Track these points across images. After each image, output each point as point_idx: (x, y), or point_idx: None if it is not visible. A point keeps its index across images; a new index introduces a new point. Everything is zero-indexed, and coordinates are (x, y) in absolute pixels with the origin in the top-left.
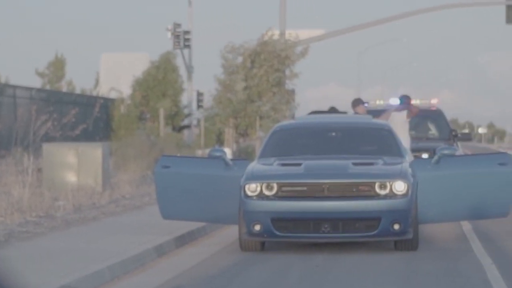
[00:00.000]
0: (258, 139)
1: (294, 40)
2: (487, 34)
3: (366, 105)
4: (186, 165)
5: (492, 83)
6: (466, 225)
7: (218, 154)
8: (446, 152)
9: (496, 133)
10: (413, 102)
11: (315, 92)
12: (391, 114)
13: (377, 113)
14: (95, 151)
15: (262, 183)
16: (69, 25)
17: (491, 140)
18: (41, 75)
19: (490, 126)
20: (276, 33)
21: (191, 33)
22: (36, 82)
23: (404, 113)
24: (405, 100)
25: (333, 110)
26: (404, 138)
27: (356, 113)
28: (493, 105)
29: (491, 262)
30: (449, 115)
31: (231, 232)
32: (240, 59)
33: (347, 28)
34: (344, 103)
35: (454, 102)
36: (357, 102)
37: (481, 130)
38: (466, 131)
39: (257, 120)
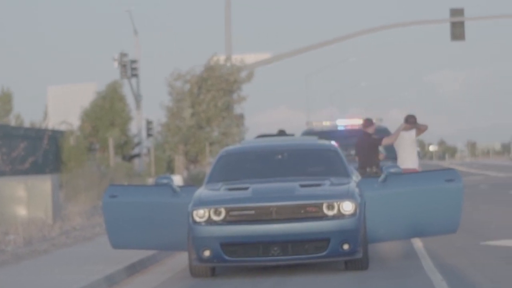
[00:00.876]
0: (209, 165)
1: (240, 64)
2: (434, 52)
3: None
4: (133, 194)
5: (441, 101)
6: (416, 243)
7: (165, 181)
8: (392, 170)
9: (447, 150)
10: (359, 121)
11: (265, 116)
12: (400, 134)
13: (324, 134)
14: (44, 184)
15: (210, 209)
16: (14, 58)
17: (442, 157)
18: None
19: (441, 143)
20: (221, 58)
21: (138, 62)
22: None
23: (413, 132)
24: (410, 119)
25: (281, 133)
26: (413, 156)
27: (367, 132)
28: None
29: (441, 279)
30: None
31: (181, 259)
32: (187, 86)
33: (294, 50)
34: (294, 126)
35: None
36: (368, 123)
37: (432, 148)
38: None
39: (207, 146)
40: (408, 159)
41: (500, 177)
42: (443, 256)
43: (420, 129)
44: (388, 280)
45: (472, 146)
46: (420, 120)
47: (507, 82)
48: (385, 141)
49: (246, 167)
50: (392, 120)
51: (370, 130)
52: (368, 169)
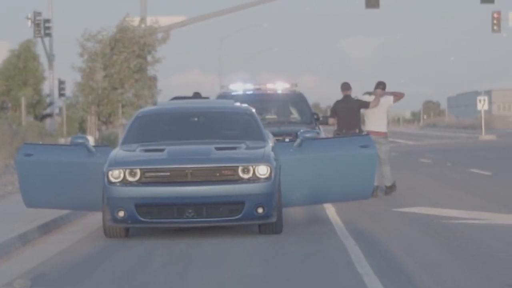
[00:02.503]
0: (121, 127)
1: (155, 26)
2: (348, 19)
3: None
4: (48, 153)
5: (353, 68)
6: (329, 208)
7: (80, 141)
8: (308, 135)
9: None
10: (272, 85)
11: (178, 79)
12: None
13: (239, 97)
14: None
15: (125, 169)
16: None
17: None
18: None
19: None
20: (135, 20)
21: (52, 21)
22: None
23: (389, 98)
24: (382, 86)
25: (196, 95)
26: (385, 121)
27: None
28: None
29: (354, 244)
30: (311, 99)
31: (95, 219)
32: (99, 47)
33: (209, 14)
34: (206, 89)
35: (316, 87)
36: (348, 86)
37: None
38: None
39: (119, 108)
40: (379, 124)
41: (410, 145)
42: (356, 222)
43: (398, 96)
44: (302, 245)
45: None
46: (332, 87)
47: (418, 51)
48: (371, 104)
49: (162, 128)
50: (305, 86)
51: (350, 92)
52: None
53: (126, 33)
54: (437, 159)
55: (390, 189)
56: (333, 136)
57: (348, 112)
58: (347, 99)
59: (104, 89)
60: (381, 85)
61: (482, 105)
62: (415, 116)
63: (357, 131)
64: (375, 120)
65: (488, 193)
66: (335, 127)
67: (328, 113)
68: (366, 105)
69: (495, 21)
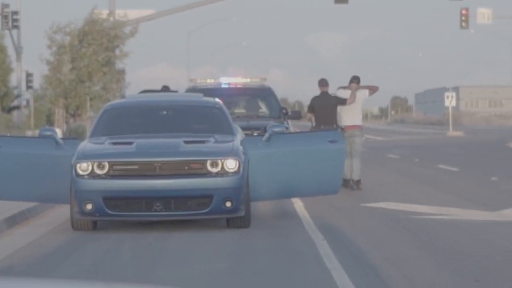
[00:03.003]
0: (89, 119)
1: (123, 19)
2: (316, 14)
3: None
4: (16, 145)
5: (321, 62)
6: (297, 202)
7: (48, 133)
8: (276, 129)
9: None
10: (241, 80)
11: (147, 72)
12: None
13: (208, 91)
14: None
15: (94, 162)
16: None
17: None
18: None
19: None
20: (104, 13)
21: (20, 13)
22: None
23: (365, 92)
24: (357, 80)
25: (165, 89)
26: (360, 115)
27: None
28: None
29: (323, 238)
30: (279, 94)
31: (63, 212)
32: (67, 39)
33: (177, 7)
34: (174, 83)
35: (284, 82)
36: (326, 83)
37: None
38: (296, 109)
39: (87, 100)
40: (355, 117)
41: (378, 140)
42: (324, 216)
43: (373, 89)
44: (270, 239)
45: None
46: (301, 81)
47: (386, 47)
48: (349, 101)
49: (131, 122)
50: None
51: (327, 89)
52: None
53: (95, 26)
54: (405, 155)
55: (358, 183)
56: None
57: (326, 108)
58: (324, 95)
59: (71, 81)
60: (355, 79)
61: (449, 101)
62: (383, 112)
63: (334, 126)
64: (351, 114)
65: (456, 188)
66: (313, 123)
67: (296, 108)
68: (343, 101)
69: (463, 18)
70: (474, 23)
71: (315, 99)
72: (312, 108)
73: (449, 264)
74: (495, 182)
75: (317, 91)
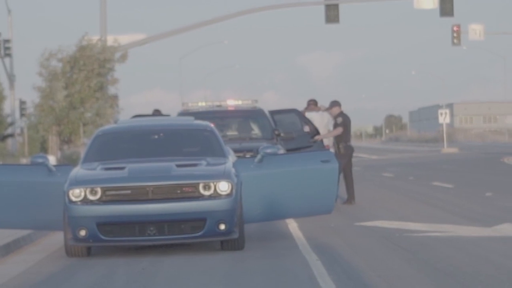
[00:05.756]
0: (83, 146)
1: (114, 44)
2: (308, 34)
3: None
4: (8, 173)
5: (314, 83)
6: (291, 223)
7: (40, 160)
8: (268, 151)
9: None
10: (233, 102)
11: (140, 97)
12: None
13: (200, 115)
14: None
15: (86, 188)
16: None
17: None
18: None
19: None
20: (94, 38)
21: (12, 41)
22: None
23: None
24: (310, 103)
25: (157, 113)
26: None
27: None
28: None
29: (317, 259)
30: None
31: (57, 239)
32: (59, 66)
33: (169, 31)
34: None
35: (278, 102)
36: (334, 104)
37: (306, 129)
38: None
39: (80, 127)
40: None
41: (373, 159)
42: (318, 237)
43: (332, 111)
44: (264, 260)
45: None
46: (294, 102)
47: (379, 66)
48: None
49: (122, 146)
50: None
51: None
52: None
53: (86, 51)
54: (400, 173)
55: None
56: (334, 148)
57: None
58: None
59: (64, 108)
60: (312, 101)
61: (443, 118)
62: (377, 131)
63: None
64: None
65: (450, 205)
66: (339, 140)
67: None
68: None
69: (455, 34)
70: (466, 39)
71: (345, 116)
72: (344, 124)
73: (445, 281)
74: (490, 198)
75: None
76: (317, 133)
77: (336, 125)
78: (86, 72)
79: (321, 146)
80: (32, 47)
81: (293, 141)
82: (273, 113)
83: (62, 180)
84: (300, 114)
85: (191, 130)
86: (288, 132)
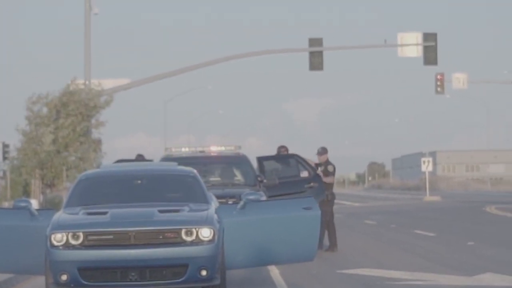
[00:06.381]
0: (65, 190)
1: (98, 88)
2: (292, 81)
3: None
4: None
5: (298, 129)
6: (273, 270)
7: (23, 204)
8: (251, 197)
9: None
10: (216, 148)
11: (124, 142)
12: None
13: (183, 160)
14: None
15: (68, 233)
16: None
17: None
18: None
19: None
20: (80, 83)
21: None
22: None
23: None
24: (281, 150)
25: (140, 158)
26: None
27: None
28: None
29: None
30: (256, 162)
31: (38, 283)
32: (45, 110)
33: (153, 76)
34: (151, 152)
35: (261, 149)
36: (325, 151)
37: (303, 175)
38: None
39: (64, 171)
40: None
41: (355, 206)
42: (300, 284)
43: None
44: None
45: None
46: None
47: (362, 113)
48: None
49: (105, 191)
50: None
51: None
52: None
53: (73, 96)
54: (382, 220)
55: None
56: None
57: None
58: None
59: (48, 152)
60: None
61: (426, 166)
62: (360, 178)
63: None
64: None
65: (432, 254)
66: (327, 188)
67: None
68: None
69: (438, 83)
70: (450, 87)
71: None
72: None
73: None
74: (472, 247)
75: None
76: (318, 179)
77: (328, 173)
78: (73, 117)
79: (318, 191)
80: (13, 89)
81: (286, 186)
82: (272, 158)
83: (45, 224)
84: (300, 160)
85: (174, 175)
86: (271, 178)
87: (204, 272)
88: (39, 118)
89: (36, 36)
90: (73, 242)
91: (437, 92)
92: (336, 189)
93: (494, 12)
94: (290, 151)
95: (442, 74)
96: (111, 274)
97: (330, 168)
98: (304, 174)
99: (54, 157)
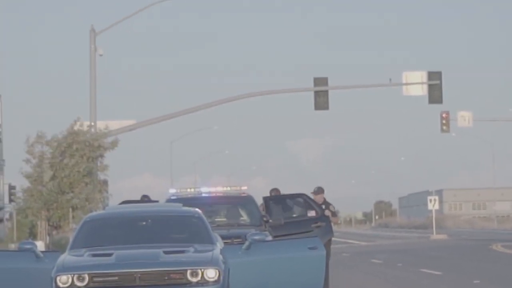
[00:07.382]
0: (71, 231)
1: (105, 130)
2: (298, 121)
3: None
4: None
5: (303, 169)
6: None
7: (28, 246)
8: (256, 237)
9: None
10: (222, 188)
11: (130, 182)
12: None
13: (189, 201)
14: None
15: (74, 275)
16: None
17: None
18: None
19: None
20: (85, 124)
21: (1, 126)
22: None
23: None
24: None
25: (145, 198)
26: None
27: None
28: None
29: None
30: (261, 202)
31: None
32: (48, 151)
33: (158, 117)
34: (158, 193)
35: (267, 188)
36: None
37: (310, 214)
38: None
39: (69, 212)
40: None
41: (362, 245)
42: None
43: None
44: None
45: None
46: (284, 188)
47: (368, 152)
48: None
49: (110, 233)
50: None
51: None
52: None
53: (78, 137)
54: (388, 259)
55: None
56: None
57: None
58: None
59: (51, 192)
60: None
61: (433, 204)
62: (367, 217)
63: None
64: None
65: None
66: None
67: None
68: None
69: (444, 121)
70: (455, 126)
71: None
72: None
73: None
74: (478, 285)
75: None
76: (325, 218)
77: (332, 213)
78: (77, 157)
79: (326, 231)
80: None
81: (292, 226)
82: (279, 198)
83: (50, 266)
84: (307, 199)
85: (179, 216)
86: (277, 218)
87: None
88: (40, 159)
89: (43, 78)
90: (78, 284)
91: (442, 130)
92: (343, 228)
93: (499, 50)
94: (297, 191)
95: (447, 113)
96: None
97: (331, 207)
98: (312, 213)
99: (58, 197)
